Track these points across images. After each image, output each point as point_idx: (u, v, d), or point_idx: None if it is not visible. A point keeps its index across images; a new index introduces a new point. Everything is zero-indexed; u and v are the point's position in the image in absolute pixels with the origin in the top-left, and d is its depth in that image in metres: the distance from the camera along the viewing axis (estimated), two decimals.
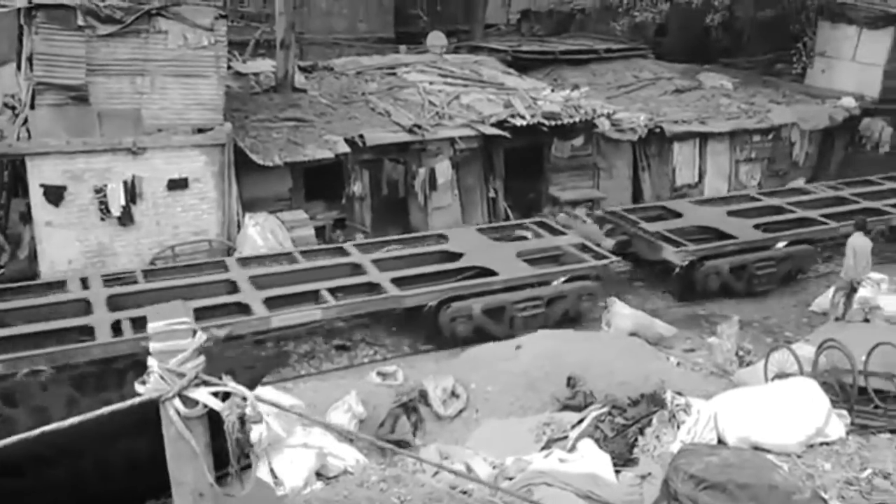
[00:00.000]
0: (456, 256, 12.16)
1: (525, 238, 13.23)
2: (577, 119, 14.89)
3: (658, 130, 16.27)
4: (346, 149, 13.28)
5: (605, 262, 12.28)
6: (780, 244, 13.63)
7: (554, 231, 13.40)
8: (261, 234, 12.05)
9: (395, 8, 23.09)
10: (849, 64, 19.25)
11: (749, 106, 17.97)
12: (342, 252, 12.11)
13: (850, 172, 17.77)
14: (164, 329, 2.82)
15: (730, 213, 14.52)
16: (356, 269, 11.62)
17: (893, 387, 7.99)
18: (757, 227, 13.92)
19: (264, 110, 14.30)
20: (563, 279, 11.89)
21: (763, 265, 13.36)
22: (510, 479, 6.31)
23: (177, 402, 2.86)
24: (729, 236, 13.49)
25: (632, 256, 13.74)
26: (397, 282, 11.10)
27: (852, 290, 11.97)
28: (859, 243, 11.82)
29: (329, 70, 17.00)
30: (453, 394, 9.15)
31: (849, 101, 18.23)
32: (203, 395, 2.87)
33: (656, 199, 16.31)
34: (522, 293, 11.51)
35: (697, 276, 12.89)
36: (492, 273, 11.56)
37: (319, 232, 13.32)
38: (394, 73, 16.91)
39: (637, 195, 16.53)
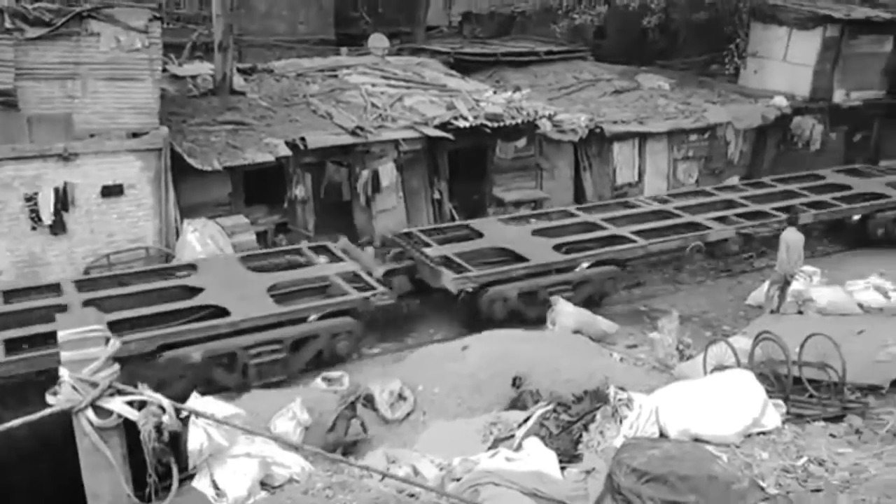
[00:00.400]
0: (195, 292, 10.69)
1: (293, 267, 11.85)
2: (519, 120, 15.02)
3: (598, 131, 16.52)
4: (287, 152, 13.12)
5: (367, 294, 10.90)
6: (583, 265, 12.66)
7: (334, 257, 12.09)
8: (200, 240, 11.81)
9: (336, 10, 22.92)
10: (780, 64, 19.87)
11: (685, 106, 18.39)
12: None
13: (782, 169, 18.37)
14: (74, 337, 2.71)
15: (534, 233, 13.59)
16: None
17: (826, 376, 8.27)
18: (560, 246, 12.92)
19: (202, 114, 14.02)
20: (316, 316, 10.58)
21: (558, 290, 12.19)
22: (457, 479, 6.30)
23: (90, 413, 2.75)
24: (524, 259, 12.40)
25: (419, 284, 12.31)
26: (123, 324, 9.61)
27: (786, 283, 12.37)
28: (792, 238, 12.22)
29: (269, 72, 16.78)
30: (400, 397, 9.11)
31: (780, 101, 18.81)
32: (117, 404, 2.77)
33: (598, 198, 16.55)
34: (259, 336, 10.10)
35: (482, 304, 11.76)
36: (225, 313, 10.11)
37: (261, 237, 13.13)
38: (335, 76, 16.79)
39: (579, 195, 16.75)
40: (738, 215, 14.76)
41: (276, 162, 13.06)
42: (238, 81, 15.54)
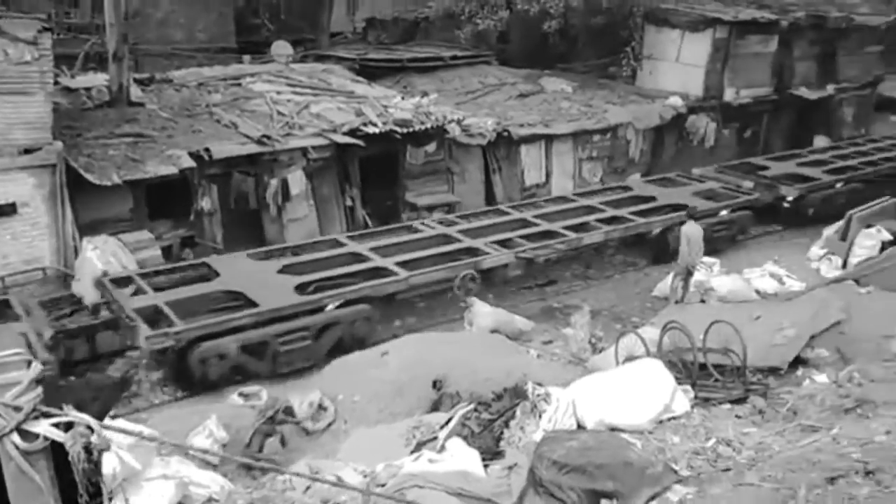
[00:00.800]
0: None
1: None
2: (428, 125, 15.11)
3: (506, 134, 16.82)
4: (191, 163, 12.76)
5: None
6: (330, 306, 11.15)
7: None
8: (101, 258, 11.30)
9: (236, 17, 22.45)
10: (674, 65, 20.75)
11: (588, 108, 18.94)
12: None
13: (680, 166, 19.17)
14: None
15: (282, 270, 11.92)
16: None
17: (729, 361, 8.67)
18: (307, 285, 11.47)
19: (99, 127, 13.46)
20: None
21: (293, 338, 10.58)
22: (382, 485, 6.29)
23: (15, 437, 2.65)
24: (254, 303, 10.68)
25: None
26: None
27: (688, 274, 12.94)
28: (692, 231, 12.79)
29: (168, 82, 16.28)
30: (320, 407, 9.01)
31: (676, 100, 19.64)
32: (44, 427, 2.68)
33: (508, 200, 16.82)
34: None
35: (192, 364, 9.98)
36: None
37: (167, 251, 12.70)
38: (238, 84, 16.45)
39: (490, 197, 16.99)
40: (525, 237, 13.84)
41: (180, 174, 12.66)
42: (136, 92, 15.01)
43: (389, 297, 12.09)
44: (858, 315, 9.79)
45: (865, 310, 9.98)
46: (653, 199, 16.23)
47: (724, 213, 15.93)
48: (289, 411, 8.85)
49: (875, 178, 18.57)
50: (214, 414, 8.20)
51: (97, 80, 15.26)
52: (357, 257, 12.67)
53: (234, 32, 22.38)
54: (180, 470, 6.44)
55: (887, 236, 14.08)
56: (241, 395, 9.41)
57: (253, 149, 13.54)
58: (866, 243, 14.09)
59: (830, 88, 22.64)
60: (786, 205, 17.21)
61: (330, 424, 8.89)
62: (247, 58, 19.70)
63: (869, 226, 14.44)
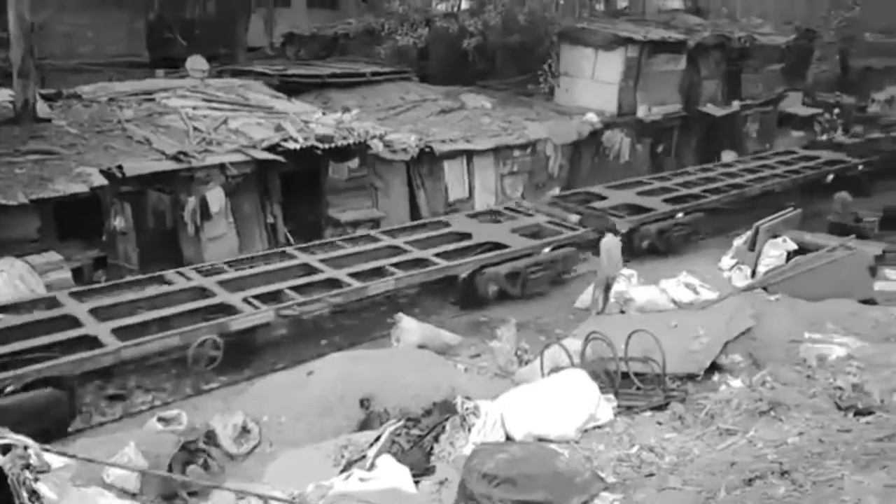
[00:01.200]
0: None
1: None
2: (350, 141, 15.04)
3: (428, 150, 16.91)
4: (102, 181, 12.30)
5: None
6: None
7: None
8: (8, 281, 10.74)
9: (149, 30, 21.80)
10: (589, 82, 21.34)
11: (508, 124, 19.26)
12: None
13: (598, 180, 19.69)
14: None
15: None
16: None
17: (650, 369, 8.92)
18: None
19: (2, 144, 12.83)
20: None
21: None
22: None
23: None
24: None
25: None
26: None
27: (608, 285, 13.27)
28: (611, 244, 13.15)
29: (77, 97, 15.64)
30: (244, 430, 8.78)
31: (592, 117, 20.20)
32: None
33: (432, 215, 16.88)
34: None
35: None
36: None
37: (77, 273, 12.16)
38: (152, 99, 15.96)
39: (414, 212, 17.03)
40: (299, 287, 11.86)
41: (91, 192, 12.18)
42: (42, 108, 14.36)
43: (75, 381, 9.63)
44: (768, 321, 10.23)
45: (774, 316, 10.45)
46: (468, 236, 14.70)
47: (545, 250, 14.58)
48: (211, 435, 8.58)
49: (722, 206, 18.38)
50: (133, 440, 7.87)
51: (1, 95, 14.56)
52: (70, 322, 10.36)
53: (145, 47, 21.73)
54: (98, 501, 6.15)
55: (792, 246, 14.80)
56: (160, 419, 9.07)
57: (168, 165, 13.16)
58: (773, 253, 14.77)
59: (736, 105, 23.78)
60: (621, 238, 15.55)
61: (255, 447, 8.67)
62: (160, 73, 19.15)
63: (775, 236, 15.16)
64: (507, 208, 16.73)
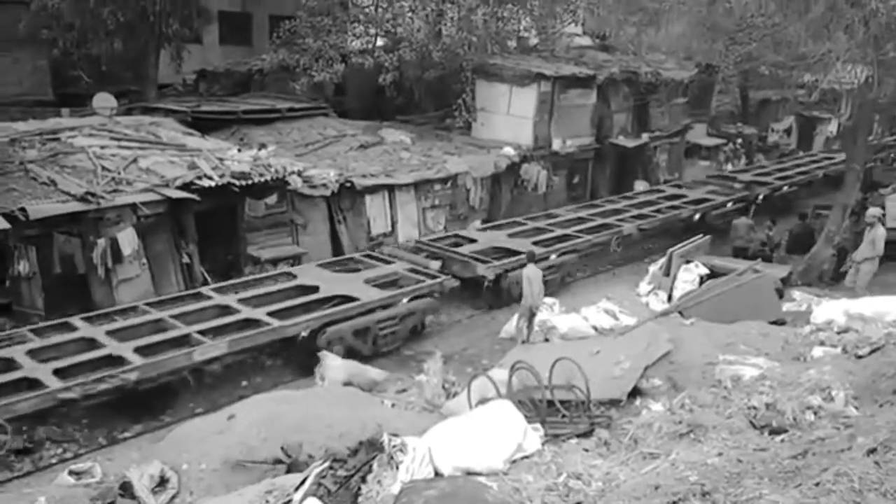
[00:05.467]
0: None
1: None
2: (268, 177, 14.83)
3: (349, 185, 16.85)
4: (5, 225, 11.69)
5: None
6: None
7: None
8: None
9: (53, 68, 21.09)
10: (505, 117, 21.81)
11: (427, 158, 19.43)
12: None
13: (517, 211, 20.06)
14: None
15: None
16: None
17: (574, 396, 9.02)
18: None
19: None
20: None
21: None
22: None
23: None
24: None
25: None
26: None
27: (532, 314, 13.44)
28: (532, 273, 13.35)
29: None
30: (162, 480, 8.38)
31: (509, 150, 20.61)
32: None
33: (356, 249, 16.76)
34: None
35: None
36: None
37: None
38: (57, 139, 15.32)
39: (336, 248, 16.88)
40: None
41: None
42: None
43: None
44: (685, 345, 10.53)
45: (690, 340, 10.77)
46: (315, 289, 13.46)
47: (404, 301, 13.76)
48: (126, 487, 8.16)
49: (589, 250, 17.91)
50: (42, 496, 7.42)
51: None
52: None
53: (50, 84, 20.99)
54: None
55: (704, 270, 15.39)
56: (71, 473, 8.58)
57: (75, 207, 12.64)
58: (686, 277, 15.32)
59: (645, 137, 24.75)
60: (487, 285, 15.50)
61: (174, 497, 8.28)
62: (65, 111, 18.46)
63: (688, 261, 15.73)
64: (366, 255, 15.60)
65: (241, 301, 12.70)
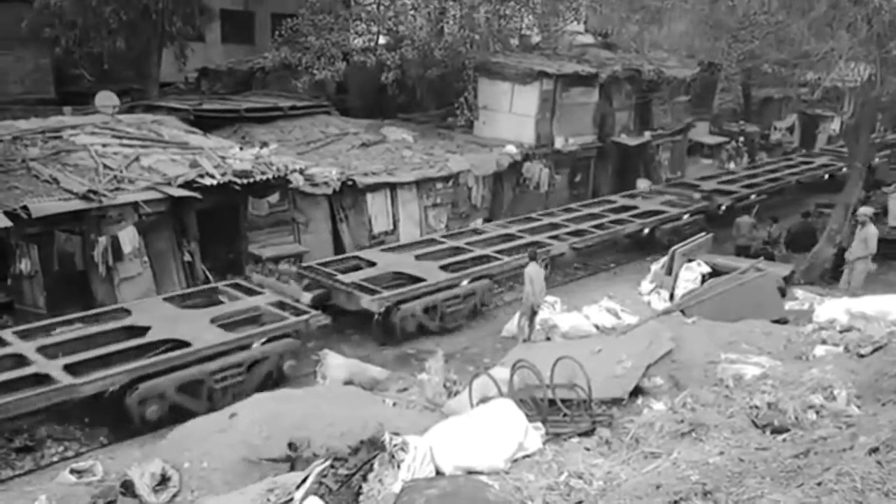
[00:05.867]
0: None
1: None
2: (270, 176, 14.83)
3: (351, 183, 16.84)
4: (7, 223, 11.70)
5: None
6: None
7: None
8: None
9: (55, 67, 21.09)
10: (507, 115, 21.78)
11: (429, 156, 19.42)
12: None
13: (519, 210, 20.04)
14: None
15: None
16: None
17: (576, 395, 9.01)
18: None
19: None
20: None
21: None
22: None
23: None
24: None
25: None
26: None
27: (533, 313, 13.43)
28: (534, 272, 13.32)
29: None
30: (164, 478, 8.39)
31: (511, 149, 20.59)
32: None
33: (357, 248, 16.76)
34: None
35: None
36: None
37: None
38: (59, 137, 15.34)
39: (338, 246, 16.88)
40: None
41: None
42: None
43: None
44: (687, 344, 10.51)
45: (692, 338, 10.74)
46: (145, 331, 11.35)
47: (255, 344, 11.61)
48: (128, 486, 8.17)
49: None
50: (44, 495, 7.43)
51: None
52: None
53: (52, 83, 20.99)
54: None
55: (706, 269, 15.36)
56: (72, 471, 8.60)
57: (77, 205, 12.65)
58: (688, 276, 15.30)
59: (647, 135, 24.70)
60: (376, 318, 13.54)
61: (175, 496, 8.29)
62: (67, 109, 18.48)
63: (690, 260, 15.70)
64: (232, 285, 13.51)
65: (40, 349, 10.45)
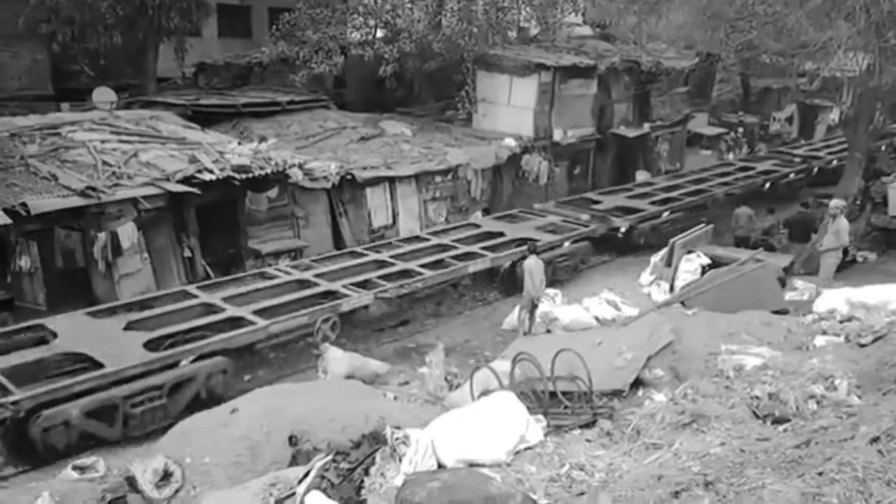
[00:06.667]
0: None
1: None
2: (268, 171, 14.82)
3: (350, 177, 16.83)
4: (6, 220, 11.70)
5: None
6: (184, 361, 10.52)
7: None
8: None
9: (53, 63, 21.05)
10: (506, 108, 21.74)
11: (428, 150, 19.39)
12: None
13: (518, 202, 20.02)
14: None
15: (128, 327, 11.16)
16: None
17: (577, 387, 9.03)
18: (155, 341, 10.66)
19: None
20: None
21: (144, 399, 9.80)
22: None
23: None
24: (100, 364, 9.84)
25: None
26: None
27: (534, 306, 13.44)
28: (533, 265, 13.33)
29: None
30: (166, 473, 8.41)
31: (510, 141, 20.55)
32: None
33: (357, 242, 16.74)
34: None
35: (34, 434, 9.22)
36: None
37: None
38: (57, 133, 15.33)
39: (338, 241, 16.88)
40: (383, 277, 11.74)
41: None
42: None
43: (245, 349, 11.53)
44: (687, 335, 10.51)
45: (693, 330, 10.75)
46: (501, 234, 16.58)
47: (566, 244, 16.50)
48: (130, 481, 8.19)
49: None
50: (46, 492, 7.44)
51: None
52: (210, 308, 12.04)
53: (50, 79, 20.95)
54: None
55: (706, 260, 15.36)
56: (75, 468, 8.61)
57: (76, 201, 12.65)
58: (688, 268, 15.29)
59: (646, 127, 24.65)
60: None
61: (178, 491, 8.30)
62: (65, 105, 18.47)
63: (689, 251, 15.70)
64: (521, 211, 18.29)
65: (455, 241, 14.17)
